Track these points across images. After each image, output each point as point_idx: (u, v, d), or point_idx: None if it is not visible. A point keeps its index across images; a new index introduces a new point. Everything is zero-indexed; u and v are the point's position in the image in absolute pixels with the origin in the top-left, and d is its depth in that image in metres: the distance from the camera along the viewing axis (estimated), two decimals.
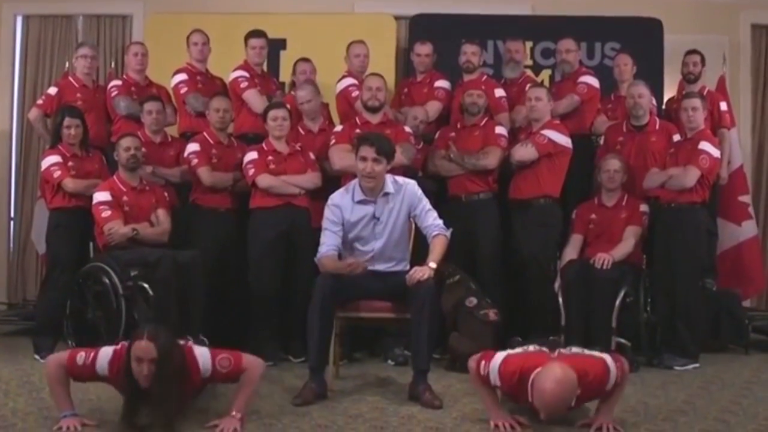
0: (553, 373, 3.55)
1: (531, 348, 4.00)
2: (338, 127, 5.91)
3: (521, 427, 3.81)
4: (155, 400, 3.58)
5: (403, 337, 5.15)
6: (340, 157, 5.56)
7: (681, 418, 4.07)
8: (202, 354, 3.77)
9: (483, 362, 3.85)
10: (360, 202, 4.64)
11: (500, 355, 3.85)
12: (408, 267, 4.65)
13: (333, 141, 5.71)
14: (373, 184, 4.57)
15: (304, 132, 5.97)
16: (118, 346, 3.75)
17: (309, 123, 6.01)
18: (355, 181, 4.71)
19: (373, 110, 5.77)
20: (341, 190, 4.78)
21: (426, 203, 4.67)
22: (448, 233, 4.62)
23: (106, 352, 3.73)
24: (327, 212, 4.67)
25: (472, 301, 5.43)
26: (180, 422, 3.72)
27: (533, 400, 3.65)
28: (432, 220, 4.63)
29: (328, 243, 4.60)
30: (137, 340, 3.58)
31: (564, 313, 5.39)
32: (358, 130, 5.63)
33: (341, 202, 4.66)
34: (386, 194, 4.62)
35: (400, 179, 4.73)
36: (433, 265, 4.46)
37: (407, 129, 5.84)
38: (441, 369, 5.11)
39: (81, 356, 3.72)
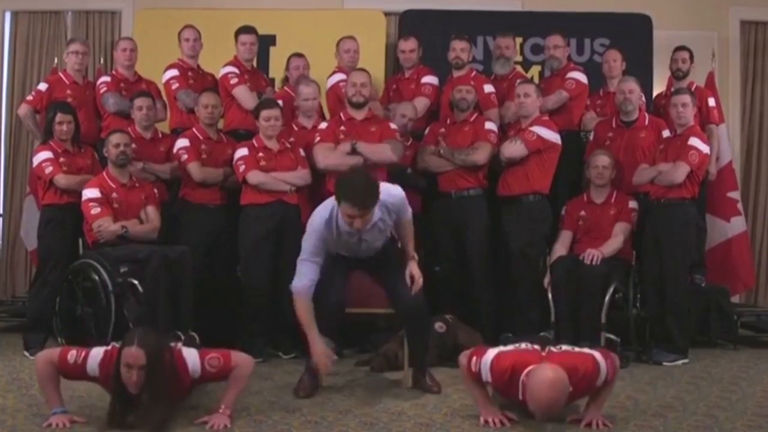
0: (545, 376, 3.56)
1: (522, 345, 4.01)
2: (323, 124, 5.83)
3: (511, 423, 3.83)
4: (145, 405, 3.57)
5: (393, 332, 5.14)
6: (324, 155, 5.52)
7: (670, 413, 4.09)
8: (190, 356, 3.77)
9: (474, 358, 3.86)
10: (346, 232, 4.25)
11: (492, 352, 3.86)
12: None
13: (317, 139, 5.66)
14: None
15: (298, 129, 5.95)
16: (109, 347, 3.74)
17: (303, 120, 5.99)
18: (338, 210, 4.19)
19: (358, 106, 5.73)
20: (325, 216, 4.24)
21: (409, 215, 4.45)
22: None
23: (97, 353, 3.71)
24: (309, 239, 4.25)
25: (442, 326, 5.34)
26: (171, 425, 3.72)
27: (525, 400, 3.67)
28: (405, 232, 4.46)
29: (308, 275, 4.24)
30: (127, 346, 3.55)
31: (553, 309, 5.40)
32: (343, 127, 5.63)
33: (326, 233, 4.24)
34: (374, 224, 4.26)
35: (388, 198, 4.24)
36: (416, 257, 4.47)
37: (392, 126, 5.78)
38: (433, 364, 5.11)
39: (72, 355, 3.70)
